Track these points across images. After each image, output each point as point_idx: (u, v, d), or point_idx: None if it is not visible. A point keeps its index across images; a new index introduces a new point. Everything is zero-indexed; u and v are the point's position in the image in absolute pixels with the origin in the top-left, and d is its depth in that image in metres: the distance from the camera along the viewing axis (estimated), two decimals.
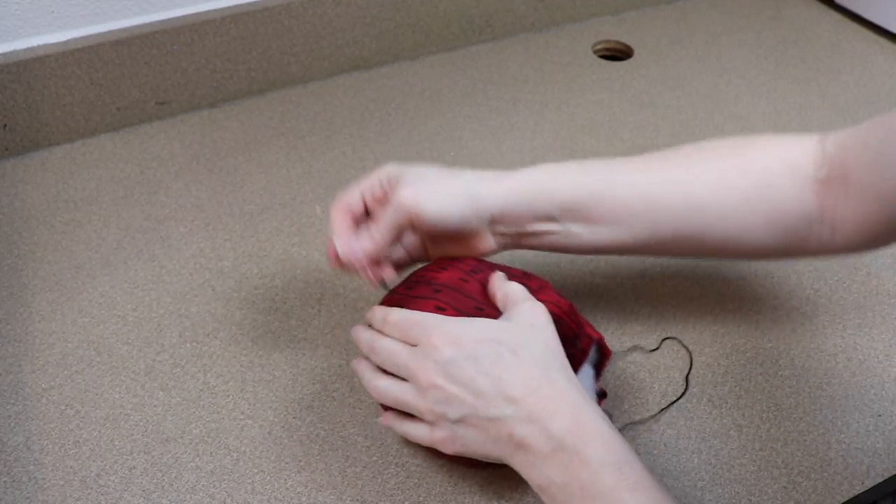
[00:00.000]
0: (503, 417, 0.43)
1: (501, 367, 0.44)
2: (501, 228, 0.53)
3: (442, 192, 0.51)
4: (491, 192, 0.52)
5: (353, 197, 0.54)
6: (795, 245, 0.53)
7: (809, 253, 0.54)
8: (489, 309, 0.49)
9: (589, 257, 0.69)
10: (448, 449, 0.46)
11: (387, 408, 0.50)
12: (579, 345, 0.50)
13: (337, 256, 0.53)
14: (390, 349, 0.48)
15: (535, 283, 0.52)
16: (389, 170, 0.53)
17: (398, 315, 0.48)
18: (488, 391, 0.43)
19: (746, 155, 0.53)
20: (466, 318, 0.47)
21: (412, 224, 0.51)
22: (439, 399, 0.45)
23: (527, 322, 0.46)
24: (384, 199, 0.53)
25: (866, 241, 0.51)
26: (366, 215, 0.54)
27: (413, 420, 0.48)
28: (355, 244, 0.52)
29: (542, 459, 0.42)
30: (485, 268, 0.52)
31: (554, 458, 0.41)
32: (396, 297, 0.52)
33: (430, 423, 0.46)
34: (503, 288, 0.49)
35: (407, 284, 0.53)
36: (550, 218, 0.53)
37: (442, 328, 0.46)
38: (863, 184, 0.49)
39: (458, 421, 0.45)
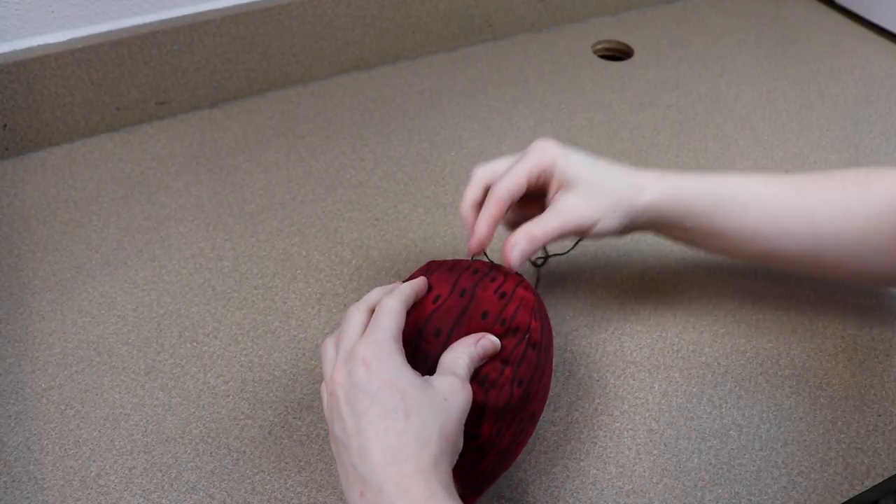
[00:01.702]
0: (360, 474, 0.41)
1: (386, 424, 0.41)
2: (640, 225, 0.56)
3: (610, 204, 0.53)
4: (651, 202, 0.54)
5: (518, 185, 0.52)
6: None
7: None
8: (492, 319, 0.48)
9: (590, 258, 0.69)
10: (331, 441, 0.45)
11: None
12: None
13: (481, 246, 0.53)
14: (346, 327, 0.46)
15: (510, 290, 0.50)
16: (553, 159, 0.53)
17: (388, 304, 0.46)
18: (363, 440, 0.41)
19: (871, 188, 0.55)
20: (399, 357, 0.44)
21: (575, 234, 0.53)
22: (334, 409, 0.43)
23: (440, 395, 0.44)
24: (542, 188, 0.53)
25: None
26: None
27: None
28: (514, 249, 0.51)
29: None
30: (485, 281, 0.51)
31: None
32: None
33: (325, 407, 0.45)
34: (449, 352, 0.47)
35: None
36: (685, 224, 0.56)
37: (373, 346, 0.44)
38: None
39: (338, 439, 0.43)
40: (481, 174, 0.54)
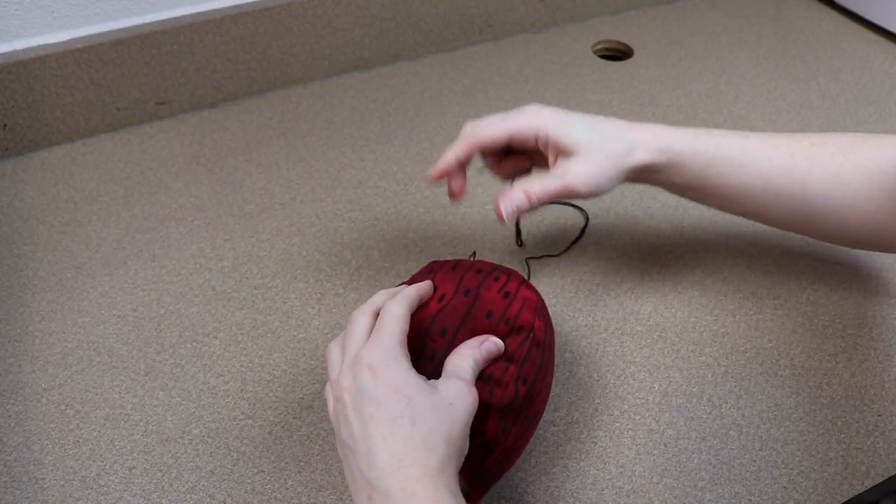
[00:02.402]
0: (369, 479, 0.41)
1: (392, 429, 0.41)
2: (632, 179, 0.57)
3: (608, 168, 0.53)
4: (644, 160, 0.55)
5: (495, 135, 0.54)
6: (882, 243, 0.57)
7: (894, 250, 0.58)
8: (496, 318, 0.48)
9: (590, 258, 0.69)
10: (337, 445, 0.45)
11: None
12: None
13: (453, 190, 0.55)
14: (351, 332, 0.46)
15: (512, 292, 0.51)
16: (546, 125, 0.54)
17: (393, 309, 0.46)
18: (370, 444, 0.41)
19: (864, 154, 0.55)
20: (405, 362, 0.45)
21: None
22: (341, 413, 0.43)
23: (446, 399, 0.44)
24: (533, 151, 0.54)
25: None
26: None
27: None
28: (509, 202, 0.53)
29: None
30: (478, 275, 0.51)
31: None
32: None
33: (330, 409, 0.45)
34: (453, 356, 0.47)
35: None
36: (675, 180, 0.57)
37: (378, 351, 0.44)
38: None
39: (344, 443, 0.43)
40: (470, 127, 0.55)
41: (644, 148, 0.55)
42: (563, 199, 0.54)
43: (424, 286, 0.50)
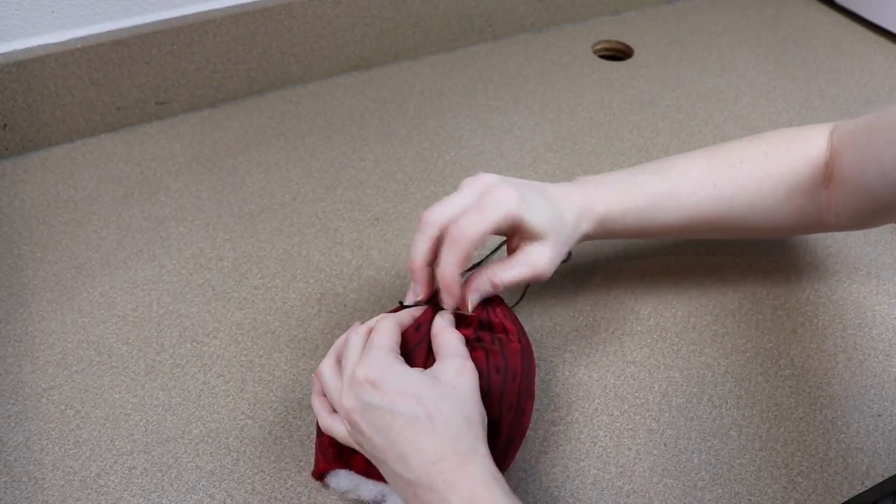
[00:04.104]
0: (409, 480, 0.43)
1: (414, 431, 0.43)
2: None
3: (563, 246, 0.53)
4: (587, 230, 0.56)
5: (485, 236, 0.50)
6: (806, 229, 0.63)
7: (821, 231, 0.63)
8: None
9: (590, 258, 0.69)
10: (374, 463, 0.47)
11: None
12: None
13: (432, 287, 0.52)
14: (347, 353, 0.48)
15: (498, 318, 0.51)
16: (519, 212, 0.50)
17: (381, 325, 0.48)
18: (399, 450, 0.43)
19: (780, 161, 0.58)
20: (400, 365, 0.46)
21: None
22: (357, 432, 0.45)
23: (450, 383, 0.45)
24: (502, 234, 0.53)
25: (863, 224, 0.59)
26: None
27: (336, 416, 0.48)
28: (475, 293, 0.51)
29: None
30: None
31: None
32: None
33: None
34: (440, 335, 0.49)
35: None
36: (617, 234, 0.58)
37: (373, 365, 0.45)
38: (849, 179, 0.55)
39: (372, 455, 0.45)
40: (435, 226, 0.49)
41: (586, 221, 0.55)
42: (530, 282, 0.53)
43: (416, 309, 0.52)
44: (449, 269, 0.49)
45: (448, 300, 0.50)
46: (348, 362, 0.47)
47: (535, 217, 0.51)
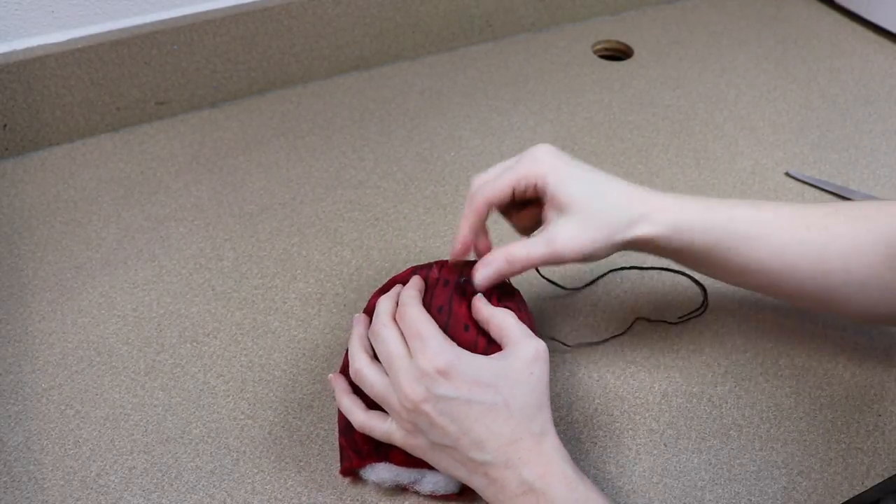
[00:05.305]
0: (483, 461, 0.44)
1: (492, 418, 0.44)
2: (630, 248, 0.52)
3: (603, 237, 0.49)
4: (647, 235, 0.50)
5: (499, 194, 0.50)
6: None
7: None
8: (474, 329, 0.49)
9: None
10: (417, 455, 0.47)
11: (344, 370, 0.51)
12: None
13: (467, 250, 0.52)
14: (389, 348, 0.47)
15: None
16: (545, 174, 0.49)
17: (413, 313, 0.47)
18: (475, 436, 0.44)
19: (881, 221, 0.51)
20: (465, 352, 0.46)
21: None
22: (423, 422, 0.45)
23: (525, 368, 0.46)
24: (531, 200, 0.51)
25: None
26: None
27: (381, 415, 0.48)
28: (486, 268, 0.50)
29: (512, 498, 0.44)
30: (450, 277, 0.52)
31: (523, 498, 0.44)
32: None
33: (404, 428, 0.46)
34: (496, 317, 0.48)
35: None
36: (683, 255, 0.52)
37: (439, 355, 0.45)
38: None
39: (437, 444, 0.45)
40: (477, 182, 0.51)
41: (649, 222, 0.50)
42: (549, 264, 0.50)
43: (416, 282, 0.51)
44: (464, 228, 0.50)
45: (459, 252, 0.51)
46: (396, 356, 0.46)
47: (565, 187, 0.48)
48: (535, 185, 0.49)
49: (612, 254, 0.51)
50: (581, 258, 0.49)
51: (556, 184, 0.49)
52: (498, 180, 0.50)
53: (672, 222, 0.50)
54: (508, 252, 0.49)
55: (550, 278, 0.65)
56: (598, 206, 0.49)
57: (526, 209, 0.53)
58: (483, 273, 0.50)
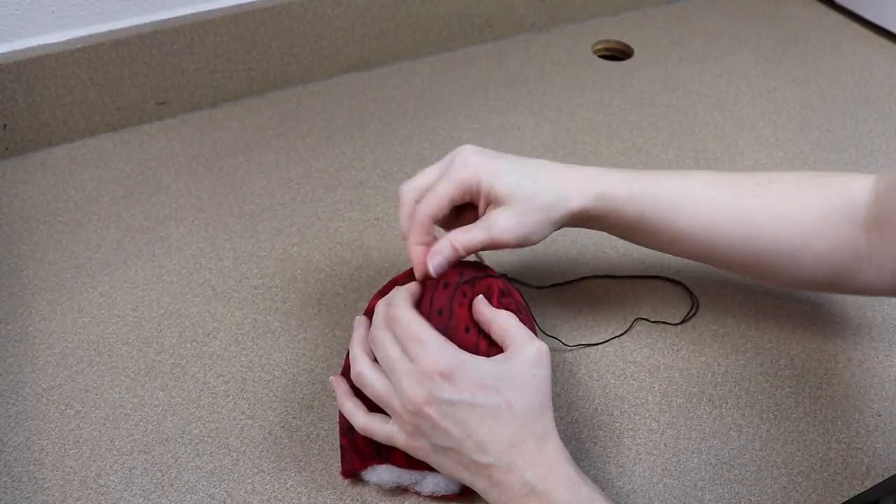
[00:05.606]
0: (485, 463, 0.44)
1: (495, 420, 0.44)
2: (568, 225, 0.54)
3: (539, 219, 0.51)
4: (578, 208, 0.52)
5: (439, 208, 0.51)
6: (842, 282, 0.54)
7: (855, 291, 0.55)
8: (475, 331, 0.49)
9: (590, 257, 0.69)
10: (419, 457, 0.47)
11: (345, 372, 0.51)
12: None
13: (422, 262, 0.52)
14: (388, 352, 0.47)
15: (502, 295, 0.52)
16: (477, 175, 0.50)
17: (407, 317, 0.47)
18: (477, 439, 0.44)
19: (812, 190, 0.53)
20: (467, 355, 0.46)
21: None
22: (426, 425, 0.45)
23: (528, 371, 0.46)
24: (469, 204, 0.52)
25: None
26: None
27: (383, 418, 0.48)
28: (435, 257, 0.51)
29: (515, 500, 0.44)
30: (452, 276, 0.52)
31: (526, 500, 0.44)
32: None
33: (405, 431, 0.46)
34: (498, 319, 0.49)
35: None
36: (613, 225, 0.55)
37: (441, 359, 0.45)
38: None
39: (440, 447, 0.45)
40: (410, 194, 0.52)
41: (578, 194, 0.52)
42: (490, 248, 0.51)
43: (412, 286, 0.51)
44: (414, 252, 0.51)
45: (420, 276, 0.51)
46: (395, 360, 0.46)
47: (497, 181, 0.50)
48: (471, 190, 0.51)
49: (551, 233, 0.53)
50: (519, 242, 0.51)
51: (490, 181, 0.51)
52: (436, 194, 0.51)
53: (600, 193, 0.52)
54: (454, 238, 0.51)
55: (520, 279, 0.66)
56: (531, 190, 0.51)
57: (462, 215, 0.54)
58: (436, 261, 0.50)
